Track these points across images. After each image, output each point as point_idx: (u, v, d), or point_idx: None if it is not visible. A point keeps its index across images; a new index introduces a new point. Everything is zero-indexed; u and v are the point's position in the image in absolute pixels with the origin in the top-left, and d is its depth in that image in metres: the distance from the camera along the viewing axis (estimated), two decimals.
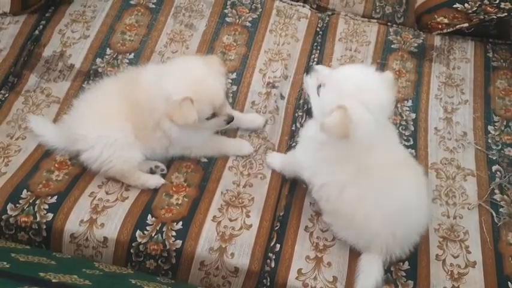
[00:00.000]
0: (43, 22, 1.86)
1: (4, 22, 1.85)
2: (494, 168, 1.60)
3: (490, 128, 1.70)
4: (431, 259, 1.41)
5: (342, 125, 1.21)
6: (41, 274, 1.04)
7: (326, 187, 1.36)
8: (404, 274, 1.38)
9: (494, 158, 1.62)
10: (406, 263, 1.40)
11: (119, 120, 1.46)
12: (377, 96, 1.24)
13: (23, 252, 1.26)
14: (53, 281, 1.00)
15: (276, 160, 1.55)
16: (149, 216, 1.43)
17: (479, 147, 1.65)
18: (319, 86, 1.30)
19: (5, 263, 1.08)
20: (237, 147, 1.59)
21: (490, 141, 1.67)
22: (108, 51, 1.81)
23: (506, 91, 1.80)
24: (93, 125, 1.47)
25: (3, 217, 1.41)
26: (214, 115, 1.44)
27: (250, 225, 1.44)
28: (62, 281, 1.02)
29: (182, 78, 1.42)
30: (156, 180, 1.49)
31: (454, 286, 1.37)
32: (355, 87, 1.23)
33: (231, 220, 1.44)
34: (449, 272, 1.39)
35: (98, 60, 1.78)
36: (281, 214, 1.48)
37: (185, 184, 1.51)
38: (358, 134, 1.21)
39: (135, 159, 1.47)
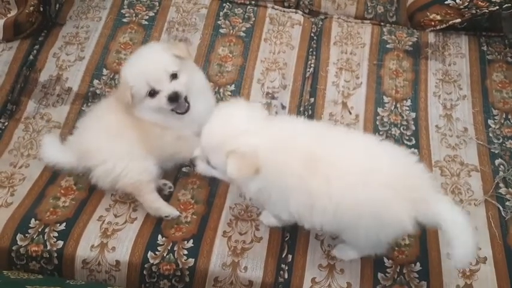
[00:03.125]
0: (37, 47, 1.86)
1: None
2: (497, 162, 1.61)
3: (490, 122, 1.71)
4: (443, 258, 1.42)
5: (243, 163, 1.20)
6: None
7: (303, 212, 1.27)
8: (416, 275, 1.39)
9: (496, 151, 1.63)
10: (418, 263, 1.41)
11: (126, 133, 1.46)
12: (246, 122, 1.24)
13: (37, 283, 1.26)
14: None
15: (270, 217, 1.47)
16: (159, 236, 1.43)
17: (481, 142, 1.66)
18: (208, 162, 1.29)
19: None
20: None
21: (491, 135, 1.68)
22: (105, 71, 1.81)
23: (503, 84, 1.81)
24: (103, 139, 1.47)
25: (13, 248, 1.41)
26: (154, 93, 1.42)
27: (261, 238, 1.44)
28: None
29: (129, 63, 1.48)
30: (170, 210, 1.46)
31: (466, 284, 1.38)
32: (228, 131, 1.23)
33: (241, 234, 1.45)
34: (461, 270, 1.40)
35: (96, 81, 1.78)
36: (290, 225, 1.48)
37: (192, 201, 1.51)
38: (263, 159, 1.20)
39: (150, 170, 1.47)
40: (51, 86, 1.77)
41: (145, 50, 1.49)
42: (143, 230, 1.44)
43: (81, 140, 1.51)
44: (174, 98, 1.41)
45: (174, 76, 1.42)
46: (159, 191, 1.52)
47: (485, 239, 1.45)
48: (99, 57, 1.84)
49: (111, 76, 1.79)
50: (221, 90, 1.77)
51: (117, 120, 1.47)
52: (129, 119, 1.46)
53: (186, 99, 1.44)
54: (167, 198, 1.51)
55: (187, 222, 1.46)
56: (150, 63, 1.42)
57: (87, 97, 1.74)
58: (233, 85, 1.78)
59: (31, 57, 1.83)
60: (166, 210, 1.46)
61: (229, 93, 1.76)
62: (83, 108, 1.71)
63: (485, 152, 1.64)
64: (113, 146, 1.46)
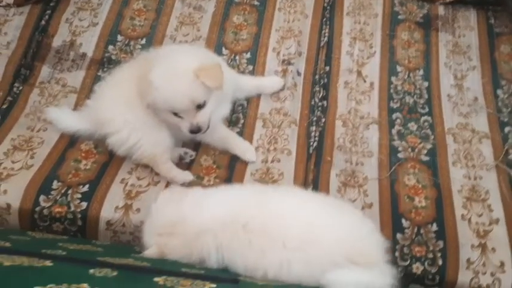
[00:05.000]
0: (48, 12, 1.84)
1: (8, 14, 1.82)
2: (506, 129, 1.67)
3: (498, 91, 1.76)
4: (457, 219, 1.47)
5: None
6: (99, 259, 1.06)
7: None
8: (434, 235, 1.44)
9: (505, 120, 1.69)
10: (434, 224, 1.46)
11: (141, 103, 1.43)
12: None
13: (67, 241, 1.27)
14: (115, 263, 1.02)
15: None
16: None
17: (491, 111, 1.71)
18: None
19: (60, 251, 1.09)
20: (242, 150, 1.56)
21: (500, 104, 1.73)
22: (119, 37, 1.80)
23: (511, 55, 1.86)
24: (119, 109, 1.46)
25: (36, 209, 1.41)
26: (177, 115, 1.39)
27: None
28: (123, 263, 1.04)
29: (162, 68, 1.38)
30: (184, 176, 1.48)
31: (481, 243, 1.43)
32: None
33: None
34: (476, 230, 1.45)
35: (110, 47, 1.77)
36: (310, 188, 1.51)
37: (214, 166, 1.53)
38: None
39: (165, 142, 1.47)
40: (65, 52, 1.76)
41: (176, 71, 1.37)
42: None
43: (97, 107, 1.50)
44: (195, 131, 1.40)
45: (200, 106, 1.39)
46: (181, 159, 1.53)
47: (497, 202, 1.51)
48: (112, 23, 1.83)
49: (126, 42, 1.79)
50: (237, 57, 1.78)
51: (133, 90, 1.44)
52: None
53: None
54: (189, 164, 1.53)
55: (210, 186, 1.48)
56: (178, 92, 1.36)
57: (103, 63, 1.74)
58: (249, 53, 1.79)
59: (43, 22, 1.81)
60: (181, 177, 1.48)
61: (245, 61, 1.77)
62: (98, 74, 1.71)
63: (494, 120, 1.69)
64: (127, 116, 1.45)
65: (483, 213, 1.49)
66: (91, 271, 0.91)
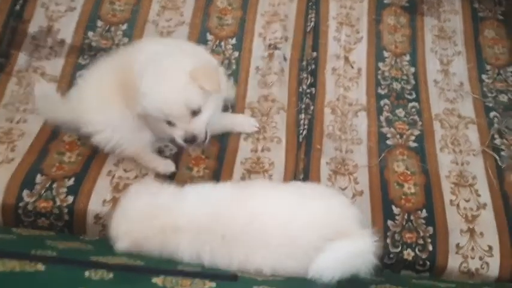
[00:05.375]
0: None
1: None
2: (491, 114, 1.69)
3: (483, 76, 1.78)
4: (446, 205, 1.49)
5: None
6: (92, 258, 1.03)
7: None
8: (423, 222, 1.45)
9: (490, 105, 1.71)
10: (424, 210, 1.47)
11: (121, 103, 1.36)
12: None
13: (55, 239, 1.23)
14: (109, 263, 0.99)
15: None
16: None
17: (476, 96, 1.72)
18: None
19: (49, 251, 1.05)
20: (243, 126, 1.55)
21: (485, 89, 1.75)
22: (99, 23, 1.73)
23: (495, 40, 1.87)
24: (100, 108, 1.38)
25: (20, 204, 1.36)
26: (170, 123, 1.29)
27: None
28: (118, 262, 1.01)
29: (149, 80, 1.26)
30: (167, 167, 1.45)
31: (469, 228, 1.45)
32: None
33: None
34: (464, 215, 1.47)
35: (90, 33, 1.70)
36: (301, 177, 1.50)
37: (203, 156, 1.50)
38: None
39: (145, 139, 1.42)
40: (42, 38, 1.68)
41: (170, 73, 1.26)
42: None
43: (78, 106, 1.41)
44: (190, 140, 1.29)
45: (195, 112, 1.28)
46: (160, 151, 1.49)
47: (484, 187, 1.53)
48: (91, 7, 1.76)
49: (106, 28, 1.72)
50: (222, 43, 1.74)
51: (114, 87, 1.35)
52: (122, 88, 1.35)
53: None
54: (178, 155, 1.49)
55: (199, 177, 1.45)
56: (171, 95, 1.24)
57: (83, 50, 1.67)
58: (234, 38, 1.75)
59: (17, 7, 1.73)
60: (163, 167, 1.45)
61: (231, 47, 1.73)
62: (79, 61, 1.64)
63: (480, 105, 1.71)
64: (109, 115, 1.37)
65: (471, 199, 1.51)
66: (86, 274, 0.89)
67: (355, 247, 1.15)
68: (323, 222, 1.19)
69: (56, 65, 1.63)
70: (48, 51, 1.66)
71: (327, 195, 1.31)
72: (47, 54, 1.65)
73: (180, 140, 1.29)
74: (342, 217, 1.22)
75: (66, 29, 1.71)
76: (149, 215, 1.18)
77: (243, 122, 1.57)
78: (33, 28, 1.70)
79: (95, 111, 1.39)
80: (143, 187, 1.28)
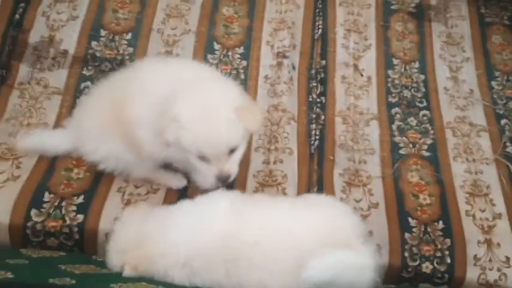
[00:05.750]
0: (22, 5, 1.70)
1: None
2: (502, 122, 1.68)
3: (493, 83, 1.77)
4: (462, 215, 1.47)
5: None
6: (113, 286, 0.99)
7: None
8: (441, 233, 1.43)
9: (501, 112, 1.70)
10: (440, 222, 1.45)
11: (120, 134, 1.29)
12: None
13: (68, 261, 1.19)
14: None
15: None
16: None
17: (487, 103, 1.71)
18: None
19: (67, 279, 1.00)
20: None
21: (495, 96, 1.74)
22: (103, 32, 1.68)
23: (502, 46, 1.86)
24: (99, 138, 1.33)
25: (28, 224, 1.31)
26: (204, 158, 1.20)
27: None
28: None
29: (195, 103, 1.17)
30: (178, 183, 1.41)
31: (486, 239, 1.44)
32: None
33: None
34: (480, 226, 1.46)
35: (94, 43, 1.65)
36: (315, 190, 1.47)
37: None
38: None
39: (152, 165, 1.37)
40: (44, 49, 1.63)
41: (215, 108, 1.16)
42: (168, 200, 1.38)
43: (76, 136, 1.37)
44: (225, 179, 1.22)
45: (232, 150, 1.20)
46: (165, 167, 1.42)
47: (499, 196, 1.52)
48: (94, 16, 1.71)
49: (110, 37, 1.67)
50: (229, 53, 1.70)
51: (111, 115, 1.28)
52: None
53: None
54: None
55: None
56: (215, 134, 1.15)
57: (87, 60, 1.62)
58: (242, 47, 1.72)
59: (17, 16, 1.67)
60: (174, 182, 1.41)
61: (239, 56, 1.69)
62: (83, 72, 1.59)
63: (491, 112, 1.70)
64: (110, 146, 1.31)
65: (486, 209, 1.49)
66: None
67: (349, 258, 1.10)
68: (324, 232, 1.14)
69: (59, 77, 1.58)
70: (51, 62, 1.61)
71: (328, 204, 1.27)
72: (50, 65, 1.60)
73: (212, 179, 1.21)
74: (342, 226, 1.17)
75: (69, 39, 1.65)
76: (136, 244, 1.14)
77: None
78: (34, 38, 1.64)
79: (95, 141, 1.33)
80: (135, 212, 1.23)
